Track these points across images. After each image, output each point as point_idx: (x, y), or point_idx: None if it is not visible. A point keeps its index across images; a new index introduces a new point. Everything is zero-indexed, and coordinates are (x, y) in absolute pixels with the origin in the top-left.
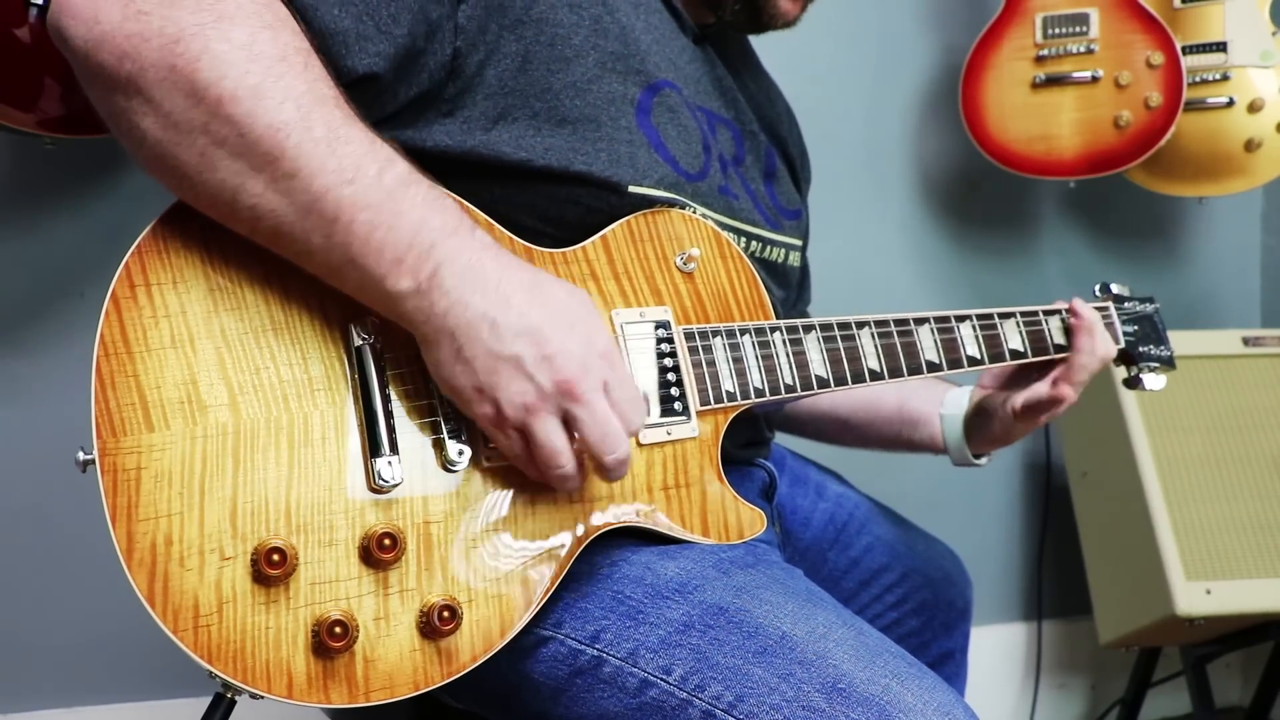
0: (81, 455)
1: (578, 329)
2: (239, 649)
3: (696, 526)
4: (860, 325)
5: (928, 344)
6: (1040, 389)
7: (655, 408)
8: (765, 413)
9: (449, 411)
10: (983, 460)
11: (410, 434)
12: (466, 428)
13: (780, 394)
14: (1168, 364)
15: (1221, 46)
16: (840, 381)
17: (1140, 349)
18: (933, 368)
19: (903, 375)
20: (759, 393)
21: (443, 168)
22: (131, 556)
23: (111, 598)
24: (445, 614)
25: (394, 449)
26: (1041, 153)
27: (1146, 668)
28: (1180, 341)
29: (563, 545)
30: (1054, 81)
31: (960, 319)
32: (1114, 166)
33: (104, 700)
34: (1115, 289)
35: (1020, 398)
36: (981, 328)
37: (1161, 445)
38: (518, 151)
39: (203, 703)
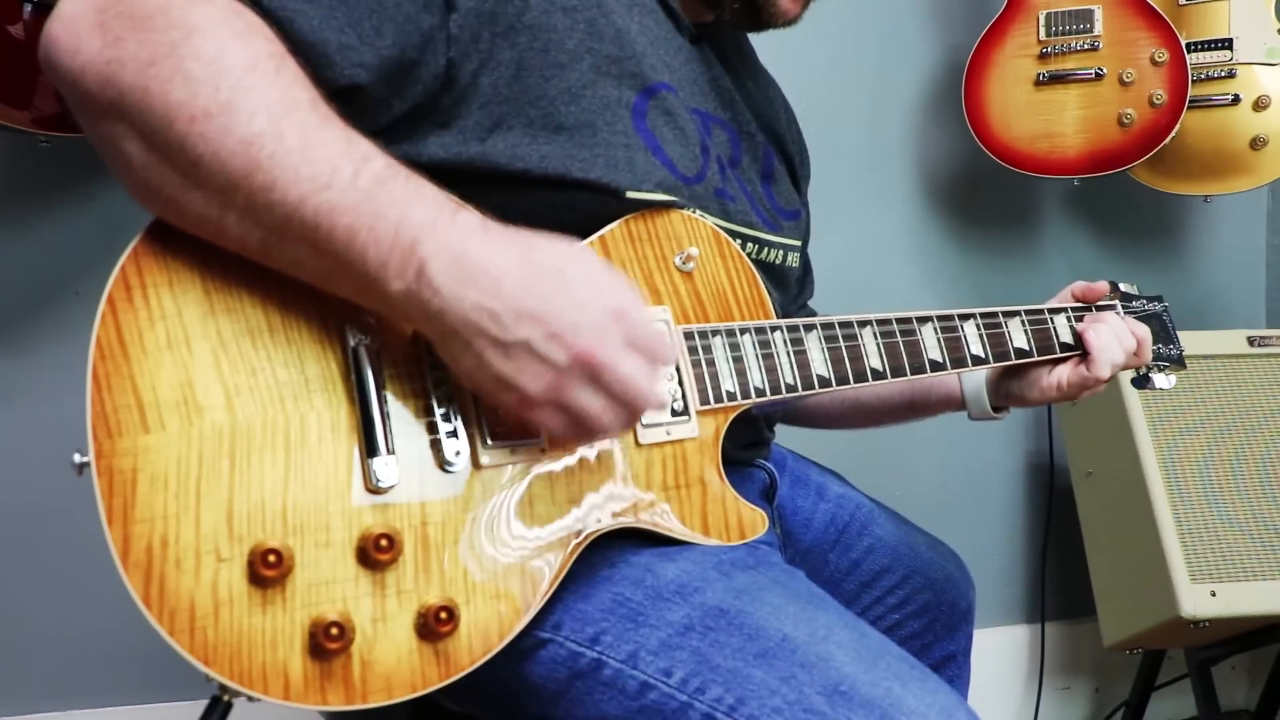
0: (78, 458)
1: (579, 294)
2: (235, 651)
3: (697, 527)
4: (862, 324)
5: (931, 343)
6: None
7: None
8: (766, 413)
9: (446, 412)
10: (1002, 415)
11: (407, 435)
12: (463, 428)
13: (781, 393)
14: (1178, 363)
15: (1227, 43)
16: (842, 381)
17: (1150, 348)
18: (936, 366)
19: (906, 374)
20: (760, 392)
21: (439, 179)
22: (127, 558)
23: (106, 601)
24: (443, 615)
25: (390, 450)
26: (1045, 151)
27: (1151, 670)
28: (1185, 341)
29: (561, 546)
30: (1057, 79)
31: (964, 317)
32: (1118, 165)
33: (99, 704)
34: (1124, 288)
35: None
36: (986, 326)
37: (1166, 445)
38: (514, 161)
39: (199, 706)
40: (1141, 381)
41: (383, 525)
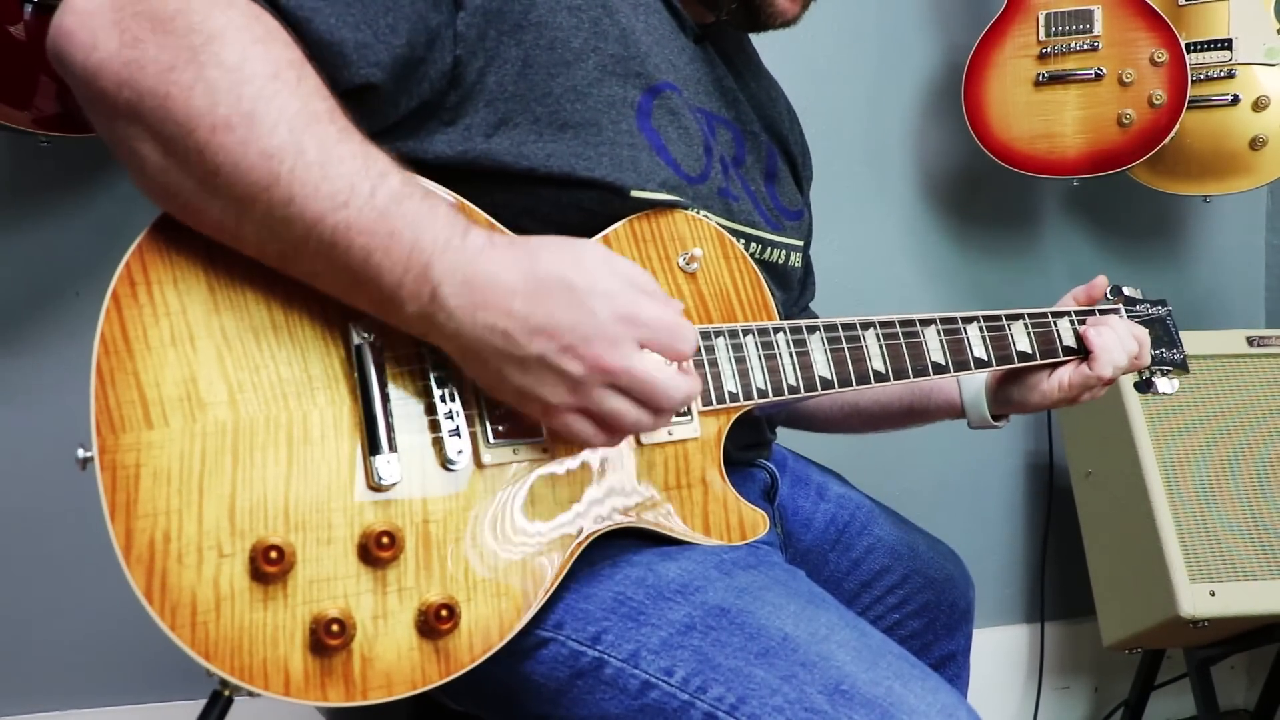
0: (81, 452)
1: (588, 302)
2: (236, 646)
3: (698, 527)
4: (865, 326)
5: (934, 345)
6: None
7: None
8: (767, 414)
9: (449, 410)
10: (1002, 423)
11: (410, 433)
12: (466, 427)
13: (783, 395)
14: (1181, 367)
15: (1226, 44)
16: (845, 383)
17: (1152, 352)
18: (939, 369)
19: (908, 376)
20: (762, 393)
21: (444, 177)
22: (130, 553)
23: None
24: (443, 613)
25: (393, 447)
26: (1044, 151)
27: (1150, 670)
28: (1184, 341)
29: (562, 545)
30: (1057, 79)
31: (967, 320)
32: (1117, 165)
33: (100, 703)
34: (1128, 292)
35: (1067, 376)
36: (989, 329)
37: (1165, 445)
38: (520, 160)
39: (199, 706)
40: (1145, 386)
41: (384, 522)
